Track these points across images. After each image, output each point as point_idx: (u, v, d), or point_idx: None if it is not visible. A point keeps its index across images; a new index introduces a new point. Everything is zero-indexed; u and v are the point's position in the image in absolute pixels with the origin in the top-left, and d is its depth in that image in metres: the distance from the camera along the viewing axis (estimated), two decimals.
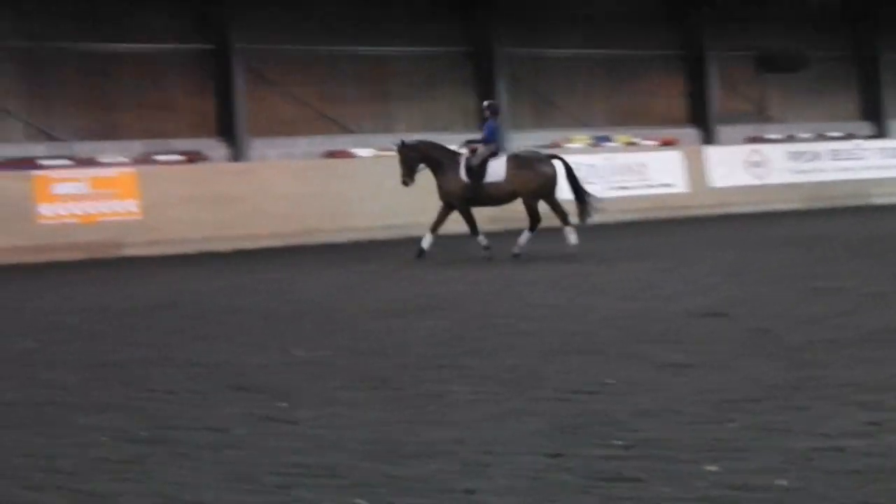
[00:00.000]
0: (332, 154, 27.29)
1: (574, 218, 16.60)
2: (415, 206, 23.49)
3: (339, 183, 24.01)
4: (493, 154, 16.69)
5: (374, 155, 26.64)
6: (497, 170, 16.55)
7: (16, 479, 4.48)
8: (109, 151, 24.43)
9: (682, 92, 32.71)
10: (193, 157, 25.32)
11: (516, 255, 16.16)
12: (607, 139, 30.31)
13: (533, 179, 16.58)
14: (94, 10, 25.20)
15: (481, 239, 16.63)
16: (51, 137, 24.91)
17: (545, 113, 31.13)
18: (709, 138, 31.64)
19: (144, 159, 24.38)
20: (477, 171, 16.44)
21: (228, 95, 26.32)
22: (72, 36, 24.89)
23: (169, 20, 26.10)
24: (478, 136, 17.56)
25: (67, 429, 5.54)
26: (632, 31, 30.53)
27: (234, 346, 8.45)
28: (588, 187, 17.12)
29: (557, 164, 16.95)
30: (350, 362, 7.39)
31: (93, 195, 21.48)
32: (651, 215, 25.47)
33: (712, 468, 4.23)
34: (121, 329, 9.92)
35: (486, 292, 11.76)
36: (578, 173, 17.17)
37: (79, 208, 21.59)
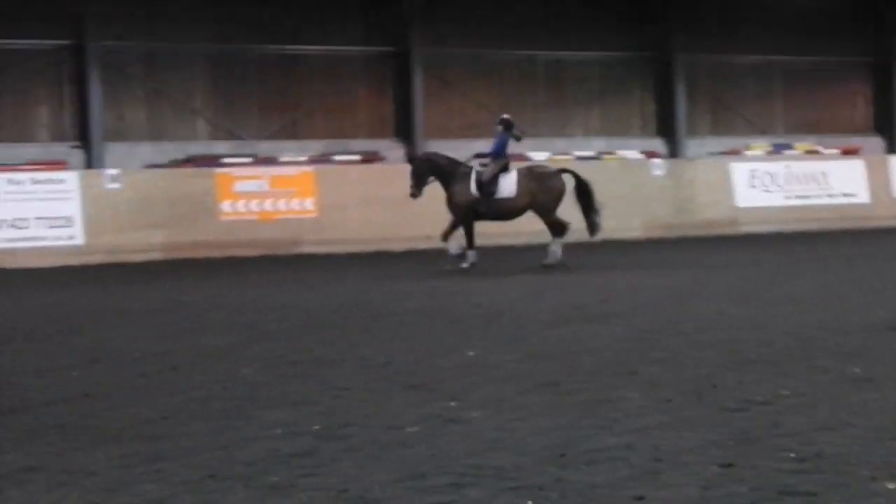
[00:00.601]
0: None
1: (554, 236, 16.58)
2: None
3: None
4: (504, 169, 16.54)
5: (549, 159, 26.67)
6: (509, 185, 16.46)
7: (199, 469, 4.67)
8: (290, 151, 25.22)
9: (866, 99, 31.65)
10: (371, 158, 25.85)
11: (548, 266, 16.10)
12: (787, 147, 29.57)
13: (546, 194, 16.50)
14: (280, 14, 25.99)
15: (471, 254, 16.44)
16: (234, 136, 25.84)
17: (723, 119, 30.62)
18: (894, 147, 30.55)
19: (323, 159, 25.02)
20: (487, 186, 16.32)
21: (407, 97, 26.85)
22: (257, 39, 25.76)
23: (351, 24, 26.73)
24: (487, 149, 17.37)
25: (246, 422, 5.74)
26: (815, 38, 29.66)
27: (410, 346, 8.58)
28: (598, 204, 16.82)
29: (567, 177, 16.80)
30: (523, 366, 7.43)
31: (272, 193, 22.17)
32: (831, 225, 24.74)
33: (891, 486, 4.10)
34: (302, 328, 10.22)
35: (666, 300, 11.60)
36: (592, 188, 16.84)
37: (259, 206, 22.31)
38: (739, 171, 26.77)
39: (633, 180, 25.64)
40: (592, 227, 16.75)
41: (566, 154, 27.54)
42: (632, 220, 24.38)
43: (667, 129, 29.62)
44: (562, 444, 4.92)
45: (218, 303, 13.05)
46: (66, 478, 4.60)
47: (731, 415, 5.56)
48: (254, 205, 22.36)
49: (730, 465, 4.44)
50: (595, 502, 3.99)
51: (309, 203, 21.18)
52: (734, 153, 28.76)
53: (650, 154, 28.67)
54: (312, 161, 24.53)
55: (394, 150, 26.07)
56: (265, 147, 25.48)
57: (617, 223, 23.42)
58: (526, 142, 27.87)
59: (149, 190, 22.40)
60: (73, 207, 21.81)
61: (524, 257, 18.32)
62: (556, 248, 16.34)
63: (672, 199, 25.88)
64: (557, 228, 16.52)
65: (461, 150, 26.90)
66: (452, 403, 6.06)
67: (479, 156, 17.25)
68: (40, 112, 25.05)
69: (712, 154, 28.82)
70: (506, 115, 17.67)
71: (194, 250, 21.27)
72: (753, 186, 26.59)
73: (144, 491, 4.32)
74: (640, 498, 4.00)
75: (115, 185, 22.16)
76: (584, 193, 16.55)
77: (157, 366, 7.95)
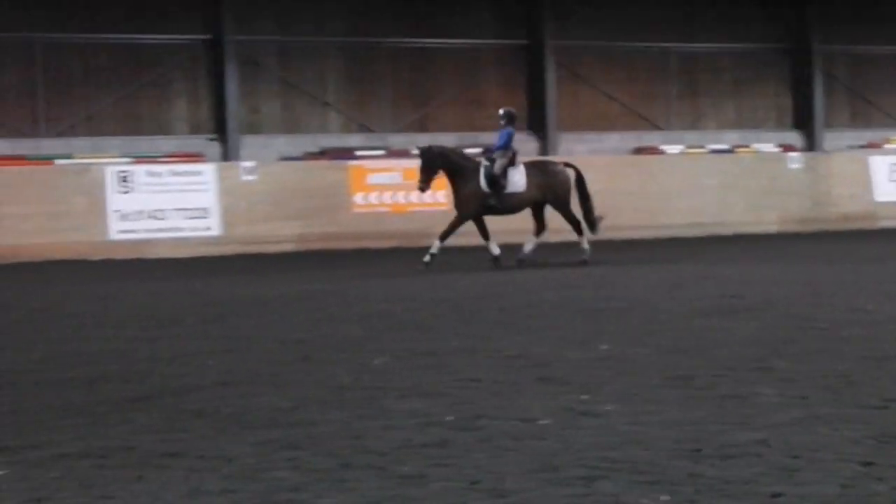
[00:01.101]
0: (641, 150, 27.26)
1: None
2: (721, 205, 23.14)
3: (647, 179, 24.01)
4: (512, 162, 16.36)
5: (682, 152, 26.37)
6: (518, 179, 16.29)
7: (333, 458, 4.73)
8: (422, 143, 25.38)
9: None
10: None
11: (585, 262, 16.27)
12: None
13: (557, 187, 16.44)
14: (413, 7, 26.23)
15: (493, 246, 16.65)
16: (367, 129, 26.15)
17: (862, 112, 29.85)
18: None
19: None
20: (498, 180, 16.19)
21: (540, 90, 26.85)
22: (390, 32, 26.03)
23: (483, 17, 26.83)
24: (495, 143, 17.14)
25: (379, 412, 5.81)
26: None
27: (541, 338, 8.57)
28: (593, 201, 16.90)
29: (570, 172, 16.75)
30: (657, 360, 7.35)
31: (405, 186, 22.37)
32: None
33: None
34: (434, 319, 10.35)
35: (801, 295, 11.35)
36: (589, 186, 16.85)
37: (391, 198, 22.58)
38: (878, 164, 26.12)
39: (768, 174, 25.30)
40: (592, 224, 16.82)
41: (700, 147, 27.24)
42: (767, 214, 24.03)
43: (803, 121, 29.03)
44: (695, 439, 4.85)
45: (350, 293, 13.25)
46: (203, 464, 4.71)
47: (869, 412, 5.41)
48: (386, 197, 22.65)
49: (869, 464, 4.31)
50: (731, 498, 3.92)
51: (441, 195, 21.32)
52: (873, 146, 28.00)
53: (786, 147, 28.12)
54: None
55: (527, 144, 26.12)
56: (396, 140, 25.75)
57: (752, 217, 23.18)
58: (657, 135, 27.80)
59: (283, 182, 22.89)
60: (209, 199, 22.41)
61: (656, 250, 18.17)
62: (586, 245, 16.34)
63: (809, 192, 25.42)
64: (580, 224, 16.54)
65: (592, 143, 27.07)
66: (585, 396, 6.03)
67: (486, 151, 17.18)
68: (178, 105, 25.75)
69: (850, 147, 28.13)
70: (510, 108, 17.59)
71: (327, 242, 21.64)
72: (893, 180, 25.96)
73: (279, 478, 4.40)
74: (778, 495, 3.92)
75: (251, 178, 22.69)
76: (583, 190, 16.54)
77: (290, 355, 8.10)
